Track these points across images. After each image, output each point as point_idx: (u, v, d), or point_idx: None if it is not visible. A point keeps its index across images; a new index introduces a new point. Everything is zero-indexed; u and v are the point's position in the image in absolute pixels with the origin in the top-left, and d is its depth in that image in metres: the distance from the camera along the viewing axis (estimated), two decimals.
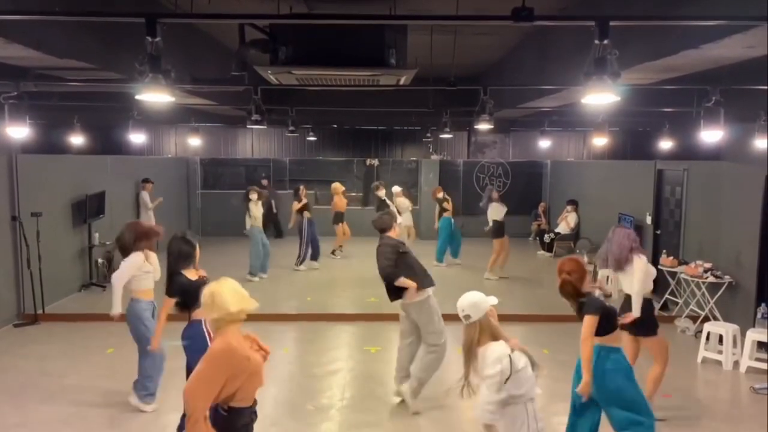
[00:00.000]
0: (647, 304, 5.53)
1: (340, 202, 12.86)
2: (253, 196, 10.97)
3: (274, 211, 14.74)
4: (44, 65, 4.27)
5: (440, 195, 12.55)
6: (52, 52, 3.74)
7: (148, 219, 11.88)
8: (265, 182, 14.79)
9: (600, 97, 3.08)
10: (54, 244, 8.94)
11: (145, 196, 11.91)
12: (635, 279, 5.47)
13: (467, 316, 3.57)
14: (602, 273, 10.14)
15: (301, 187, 12.10)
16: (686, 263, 8.65)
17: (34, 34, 3.50)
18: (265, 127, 6.04)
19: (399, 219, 11.97)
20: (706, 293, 8.16)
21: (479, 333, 3.55)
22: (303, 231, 11.71)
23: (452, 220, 12.37)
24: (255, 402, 3.29)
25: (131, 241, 5.59)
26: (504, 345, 3.56)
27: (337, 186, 12.99)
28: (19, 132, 5.58)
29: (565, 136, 9.93)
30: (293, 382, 6.49)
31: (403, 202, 12.47)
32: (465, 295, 3.65)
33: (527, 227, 15.49)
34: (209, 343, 4.64)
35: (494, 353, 3.50)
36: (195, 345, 4.66)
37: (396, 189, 12.97)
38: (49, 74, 4.70)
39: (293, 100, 7.54)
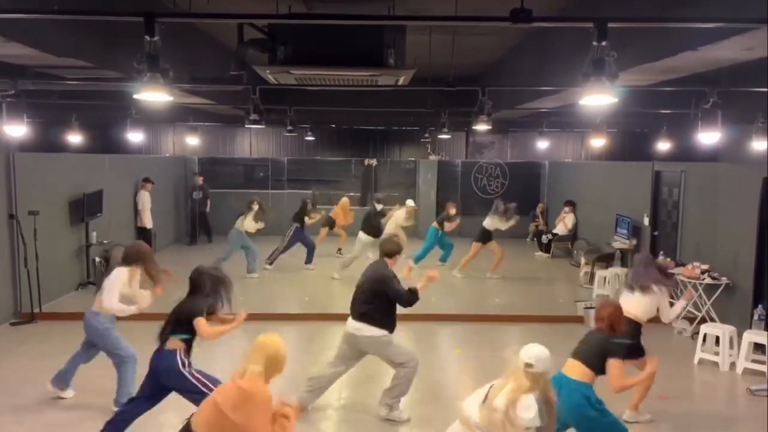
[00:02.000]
0: (638, 329, 5.54)
1: (341, 215, 12.95)
2: (254, 206, 10.90)
3: (207, 210, 14.55)
4: (42, 63, 4.26)
5: (453, 211, 12.04)
6: (51, 51, 3.73)
7: (147, 219, 11.90)
8: (200, 180, 14.51)
9: (598, 98, 3.09)
10: (51, 242, 8.92)
11: (144, 195, 11.89)
12: (642, 306, 5.63)
13: (530, 365, 3.55)
14: (600, 274, 10.15)
15: (309, 203, 12.06)
16: (683, 265, 8.66)
17: (32, 33, 3.49)
18: (263, 126, 6.04)
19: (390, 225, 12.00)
20: (703, 295, 8.17)
21: (536, 384, 3.52)
22: (289, 235, 11.67)
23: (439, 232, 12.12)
24: None
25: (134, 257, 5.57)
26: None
27: (345, 202, 13.12)
28: (17, 130, 5.58)
29: (564, 137, 9.95)
30: (291, 381, 6.47)
31: (400, 215, 12.18)
32: (537, 346, 3.65)
33: (525, 228, 15.50)
34: (183, 370, 4.61)
35: (526, 400, 3.49)
36: (173, 374, 4.59)
37: (409, 203, 12.57)
38: (48, 73, 4.70)
39: (291, 100, 7.54)
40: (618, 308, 4.58)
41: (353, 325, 5.49)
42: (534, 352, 3.60)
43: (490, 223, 11.24)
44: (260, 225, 11.00)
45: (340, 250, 13.02)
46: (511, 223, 11.32)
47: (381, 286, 5.42)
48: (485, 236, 11.22)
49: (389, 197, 13.49)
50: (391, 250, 5.64)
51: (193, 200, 14.31)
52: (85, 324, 5.65)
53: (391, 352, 5.53)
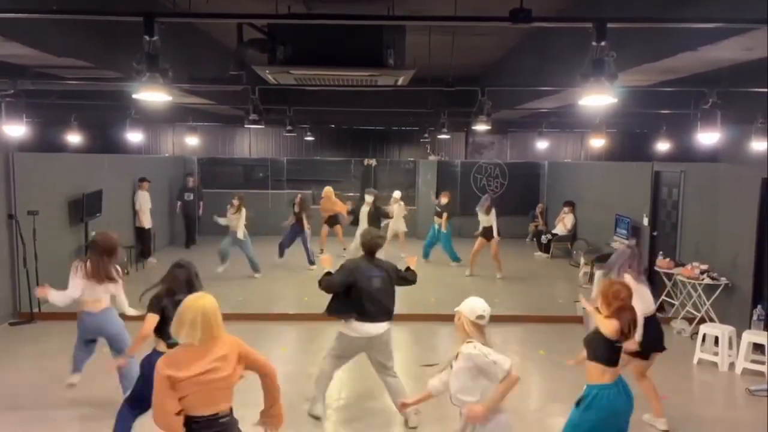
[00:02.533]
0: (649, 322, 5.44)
1: (329, 205, 12.85)
2: (235, 202, 10.94)
3: (199, 214, 13.96)
4: (42, 63, 4.26)
5: (445, 200, 12.53)
6: (50, 51, 3.73)
7: (145, 219, 11.89)
8: (191, 181, 13.96)
9: (597, 98, 3.09)
10: (50, 242, 8.92)
11: (142, 195, 11.88)
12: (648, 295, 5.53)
13: (483, 317, 3.79)
14: (599, 274, 10.14)
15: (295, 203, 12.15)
16: (683, 265, 8.67)
17: (32, 33, 3.49)
18: (263, 126, 6.04)
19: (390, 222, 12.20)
20: (703, 295, 8.17)
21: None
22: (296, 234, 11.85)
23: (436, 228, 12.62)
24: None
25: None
26: None
27: (328, 190, 13.00)
28: (16, 130, 5.58)
29: (563, 137, 9.95)
30: (290, 381, 6.48)
31: (399, 209, 12.61)
32: (478, 299, 3.88)
33: (525, 228, 15.52)
34: None
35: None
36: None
37: (396, 194, 13.02)
38: (47, 72, 4.70)
39: (291, 100, 7.54)
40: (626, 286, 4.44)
41: (378, 327, 5.40)
42: (482, 303, 3.83)
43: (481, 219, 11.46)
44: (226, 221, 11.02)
45: (345, 249, 12.96)
46: (490, 218, 11.34)
47: (399, 275, 5.53)
48: (485, 233, 11.37)
49: (387, 197, 13.45)
50: (376, 248, 5.61)
51: (184, 202, 13.80)
52: (101, 322, 5.54)
53: (390, 348, 5.57)
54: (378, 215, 11.88)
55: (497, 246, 11.33)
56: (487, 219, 11.38)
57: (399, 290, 5.60)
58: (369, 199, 12.02)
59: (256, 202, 13.62)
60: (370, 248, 5.54)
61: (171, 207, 14.22)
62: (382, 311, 5.39)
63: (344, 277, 5.40)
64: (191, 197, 13.88)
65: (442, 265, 12.16)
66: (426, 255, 12.45)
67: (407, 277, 5.60)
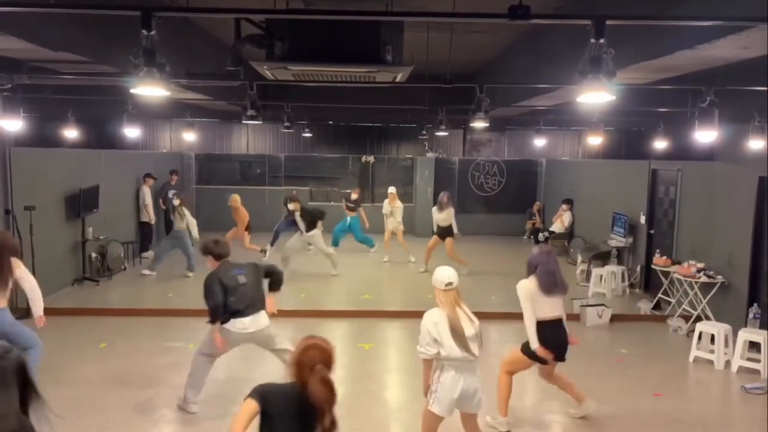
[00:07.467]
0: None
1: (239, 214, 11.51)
2: (176, 201, 10.44)
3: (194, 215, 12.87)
4: (38, 58, 4.25)
5: (354, 196, 12.73)
6: (46, 45, 3.72)
7: (147, 214, 11.88)
8: (176, 178, 12.89)
9: (595, 96, 3.09)
10: (47, 238, 8.89)
11: (145, 191, 11.86)
12: None
13: (451, 284, 4.13)
14: (596, 272, 10.12)
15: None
16: (679, 263, 8.68)
17: (27, 26, 3.48)
18: (260, 122, 6.04)
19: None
20: (699, 293, 8.19)
21: (458, 295, 4.19)
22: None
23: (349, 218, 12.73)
24: None
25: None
26: None
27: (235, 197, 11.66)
28: (13, 125, 5.57)
29: (561, 135, 9.97)
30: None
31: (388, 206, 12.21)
32: (445, 269, 4.22)
33: (522, 226, 15.53)
34: None
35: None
36: None
37: (390, 190, 12.56)
38: (43, 67, 4.68)
39: (289, 96, 7.54)
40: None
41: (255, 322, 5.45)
42: (450, 272, 4.17)
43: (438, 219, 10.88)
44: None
45: (264, 251, 11.83)
46: (448, 216, 10.69)
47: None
48: (442, 232, 10.82)
49: (384, 193, 13.33)
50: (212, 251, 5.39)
51: (169, 200, 12.12)
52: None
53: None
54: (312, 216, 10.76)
55: (452, 245, 10.78)
56: (444, 218, 10.70)
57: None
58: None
59: (254, 199, 13.59)
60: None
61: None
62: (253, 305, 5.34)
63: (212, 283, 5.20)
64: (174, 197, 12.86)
65: (373, 251, 12.27)
66: (336, 243, 12.19)
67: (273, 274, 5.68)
